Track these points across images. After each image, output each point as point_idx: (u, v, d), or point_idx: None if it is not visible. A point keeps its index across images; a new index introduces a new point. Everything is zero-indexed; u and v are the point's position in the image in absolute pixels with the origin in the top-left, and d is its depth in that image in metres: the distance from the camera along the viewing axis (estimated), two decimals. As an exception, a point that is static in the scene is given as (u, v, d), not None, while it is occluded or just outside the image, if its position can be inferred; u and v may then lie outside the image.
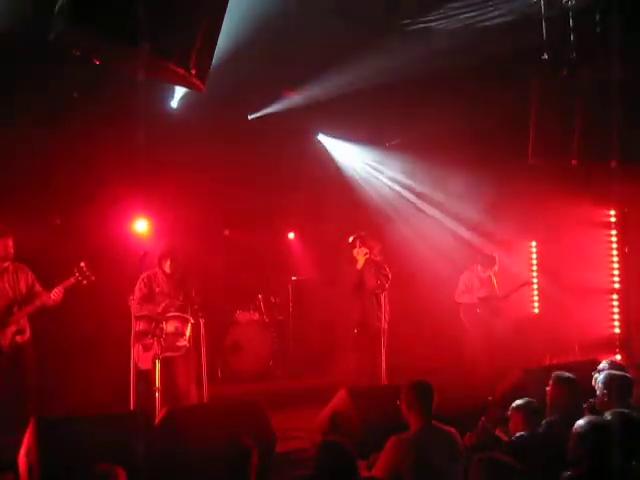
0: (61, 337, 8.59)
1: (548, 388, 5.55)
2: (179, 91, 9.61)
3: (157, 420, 6.13)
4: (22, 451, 5.41)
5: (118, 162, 9.09)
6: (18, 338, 7.30)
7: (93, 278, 7.35)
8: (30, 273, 7.49)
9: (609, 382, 5.48)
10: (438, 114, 9.96)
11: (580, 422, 4.18)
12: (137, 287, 7.67)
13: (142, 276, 7.72)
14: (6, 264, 7.36)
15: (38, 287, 7.45)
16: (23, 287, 7.41)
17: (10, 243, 7.34)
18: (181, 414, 6.24)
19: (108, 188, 9.22)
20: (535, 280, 11.97)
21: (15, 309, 7.30)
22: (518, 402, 5.32)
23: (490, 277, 10.21)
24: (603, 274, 11.59)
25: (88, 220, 9.15)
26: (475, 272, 10.21)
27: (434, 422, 4.99)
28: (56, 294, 7.31)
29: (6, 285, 7.33)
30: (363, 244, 8.72)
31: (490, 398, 7.88)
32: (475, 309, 10.02)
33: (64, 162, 8.87)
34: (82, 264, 7.32)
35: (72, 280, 7.32)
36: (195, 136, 9.72)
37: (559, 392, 5.44)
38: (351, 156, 11.93)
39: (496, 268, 10.20)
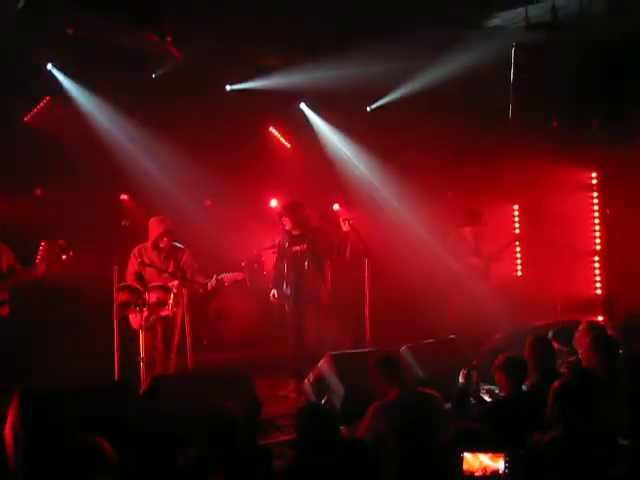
0: (42, 311, 8.56)
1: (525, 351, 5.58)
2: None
3: (142, 389, 6.14)
4: (7, 425, 5.41)
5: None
6: None
7: (72, 253, 7.33)
8: (11, 254, 7.44)
9: (598, 343, 5.56)
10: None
11: (557, 383, 4.22)
12: (129, 262, 7.76)
13: (133, 250, 7.81)
14: None
15: (19, 266, 7.42)
16: (4, 267, 7.37)
17: None
18: (166, 382, 6.28)
19: (94, 158, 9.20)
20: (518, 243, 11.99)
21: None
22: (499, 360, 5.27)
23: (476, 238, 10.08)
24: (585, 236, 11.66)
25: (69, 191, 9.10)
26: (461, 235, 10.09)
27: (418, 388, 5.01)
28: (36, 269, 7.28)
29: None
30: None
31: (475, 362, 7.95)
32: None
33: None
34: (60, 242, 7.30)
35: (51, 255, 7.26)
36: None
37: (535, 353, 5.49)
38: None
39: (482, 224, 10.01)
